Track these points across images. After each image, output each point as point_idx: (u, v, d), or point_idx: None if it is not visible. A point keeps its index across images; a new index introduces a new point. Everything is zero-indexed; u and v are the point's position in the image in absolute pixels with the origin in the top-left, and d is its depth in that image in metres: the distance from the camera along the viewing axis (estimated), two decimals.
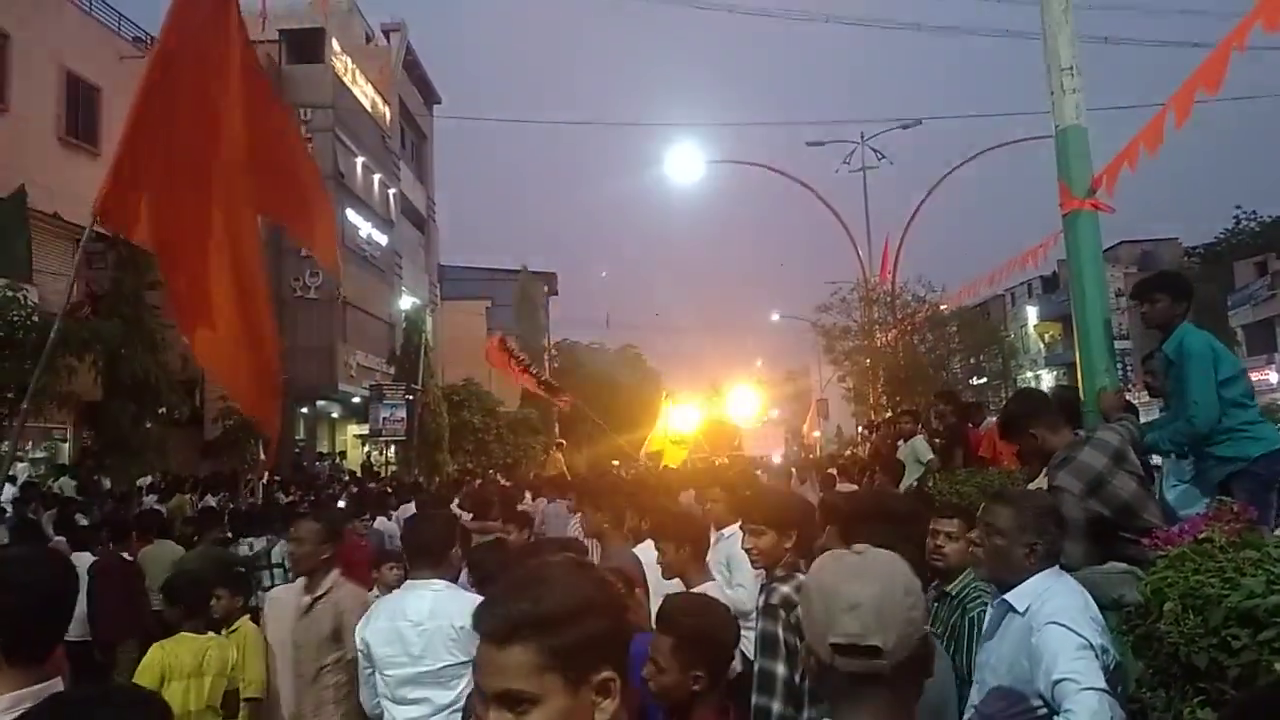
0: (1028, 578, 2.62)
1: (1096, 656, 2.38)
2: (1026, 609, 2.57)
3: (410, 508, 9.82)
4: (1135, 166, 4.68)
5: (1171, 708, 2.17)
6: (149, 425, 15.19)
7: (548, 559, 2.18)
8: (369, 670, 3.55)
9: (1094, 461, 3.55)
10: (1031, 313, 48.72)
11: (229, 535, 8.41)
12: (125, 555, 7.58)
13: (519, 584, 1.26)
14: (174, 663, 4.26)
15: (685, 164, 22.71)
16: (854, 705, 1.43)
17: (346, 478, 21.37)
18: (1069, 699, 2.27)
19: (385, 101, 30.29)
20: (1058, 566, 2.70)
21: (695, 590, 3.33)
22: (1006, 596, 2.66)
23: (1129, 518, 3.42)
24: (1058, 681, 2.32)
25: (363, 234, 27.29)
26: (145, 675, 4.20)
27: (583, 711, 1.16)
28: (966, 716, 2.75)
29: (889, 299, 22.11)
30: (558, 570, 1.25)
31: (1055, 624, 2.43)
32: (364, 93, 28.16)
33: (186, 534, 8.86)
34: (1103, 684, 2.32)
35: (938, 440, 9.17)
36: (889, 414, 18.24)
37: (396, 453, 25.41)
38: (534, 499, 10.90)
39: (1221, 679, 1.80)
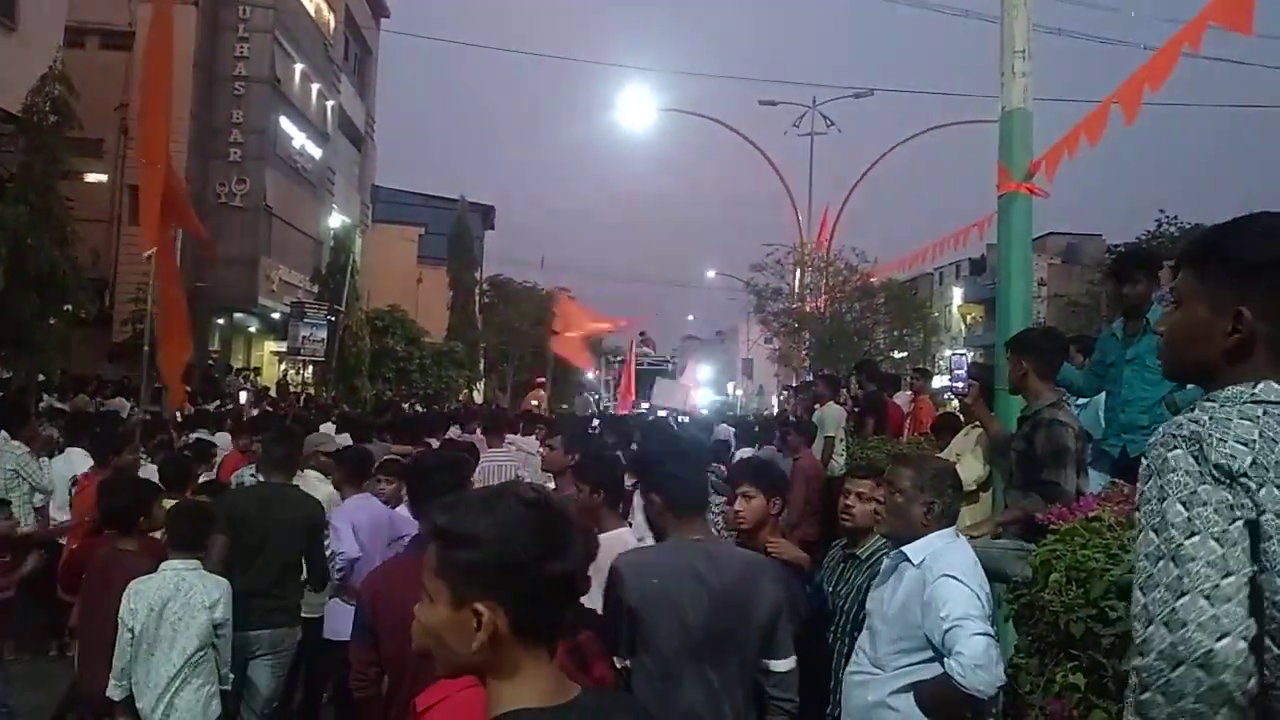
0: (924, 535, 2.79)
1: (984, 608, 2.58)
2: (921, 561, 2.74)
3: (330, 428, 9.63)
4: (1075, 153, 4.76)
5: (1045, 673, 2.29)
6: (53, 321, 14.49)
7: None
8: None
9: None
10: (957, 293, 49.87)
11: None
12: None
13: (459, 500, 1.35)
14: None
15: (636, 109, 22.43)
16: None
17: (261, 395, 20.87)
18: (959, 642, 2.46)
19: (330, 8, 29.00)
20: (954, 529, 2.86)
21: (605, 535, 3.34)
22: (903, 549, 2.82)
23: (1059, 465, 3.64)
24: (949, 629, 2.51)
25: (295, 144, 26.27)
26: None
27: (463, 629, 1.20)
28: (853, 658, 2.89)
29: (823, 265, 22.33)
30: (498, 502, 1.25)
31: (949, 576, 2.62)
32: None
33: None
34: (991, 630, 2.53)
35: (855, 409, 9.37)
36: (810, 377, 18.55)
37: (314, 373, 24.85)
38: (462, 431, 10.82)
39: (1095, 647, 1.90)
